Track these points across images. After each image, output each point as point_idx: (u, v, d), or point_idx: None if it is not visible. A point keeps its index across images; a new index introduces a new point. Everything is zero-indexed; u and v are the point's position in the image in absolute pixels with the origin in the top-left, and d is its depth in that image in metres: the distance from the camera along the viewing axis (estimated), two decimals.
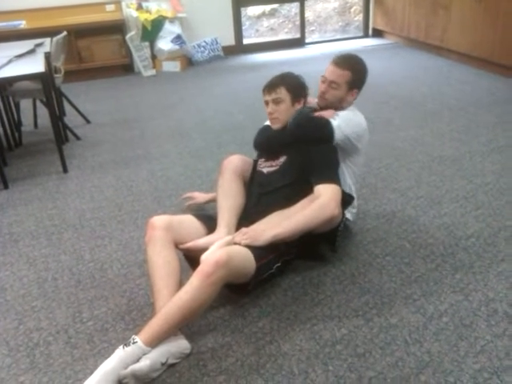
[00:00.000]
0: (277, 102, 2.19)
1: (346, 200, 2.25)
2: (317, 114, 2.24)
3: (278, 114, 2.20)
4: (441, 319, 1.89)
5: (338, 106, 2.32)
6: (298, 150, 2.18)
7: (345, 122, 2.21)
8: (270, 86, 2.21)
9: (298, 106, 2.23)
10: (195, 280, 1.72)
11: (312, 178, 2.12)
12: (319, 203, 2.02)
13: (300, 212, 2.03)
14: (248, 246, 1.93)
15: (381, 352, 1.76)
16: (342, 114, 2.25)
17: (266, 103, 2.24)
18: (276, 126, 2.24)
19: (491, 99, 4.27)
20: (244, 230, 2.03)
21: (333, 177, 2.12)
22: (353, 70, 2.28)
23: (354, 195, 2.38)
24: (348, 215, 2.35)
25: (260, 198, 2.18)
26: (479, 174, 2.99)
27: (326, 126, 2.16)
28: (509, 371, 1.65)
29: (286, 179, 2.17)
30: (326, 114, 2.23)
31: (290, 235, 2.01)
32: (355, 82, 2.30)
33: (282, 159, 2.23)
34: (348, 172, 2.35)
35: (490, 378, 1.63)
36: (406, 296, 2.02)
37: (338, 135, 2.17)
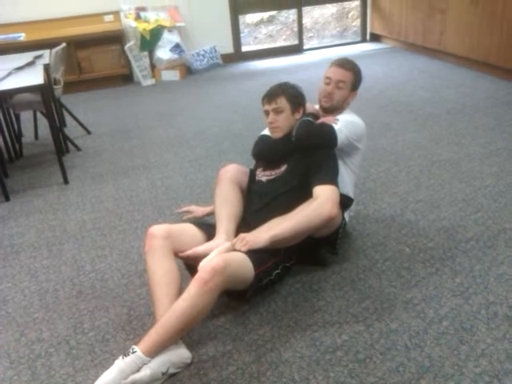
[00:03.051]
0: (277, 111, 2.21)
1: (346, 203, 2.26)
2: (319, 121, 2.26)
3: (279, 123, 2.22)
4: (441, 323, 1.89)
5: (341, 107, 2.36)
6: (300, 159, 2.20)
7: (346, 125, 2.25)
8: (270, 96, 2.22)
9: (298, 116, 2.25)
10: (193, 287, 1.73)
11: (311, 180, 2.14)
12: (316, 203, 2.04)
13: (298, 213, 2.04)
14: (247, 253, 1.93)
15: (381, 357, 1.76)
16: (341, 118, 2.29)
17: (266, 113, 2.25)
18: (277, 136, 2.25)
19: (489, 102, 4.27)
20: (242, 235, 2.03)
21: (331, 179, 2.13)
22: (354, 71, 2.36)
23: (353, 198, 2.39)
24: (346, 217, 2.35)
25: (261, 207, 2.18)
26: (478, 176, 3.00)
27: (330, 132, 2.19)
28: (510, 375, 1.64)
29: (286, 186, 2.18)
30: (327, 120, 2.25)
31: (289, 235, 2.01)
32: (357, 82, 2.38)
33: (283, 168, 2.24)
34: (348, 174, 2.37)
35: (491, 382, 1.62)
36: (406, 301, 2.02)
37: (340, 139, 2.21)
